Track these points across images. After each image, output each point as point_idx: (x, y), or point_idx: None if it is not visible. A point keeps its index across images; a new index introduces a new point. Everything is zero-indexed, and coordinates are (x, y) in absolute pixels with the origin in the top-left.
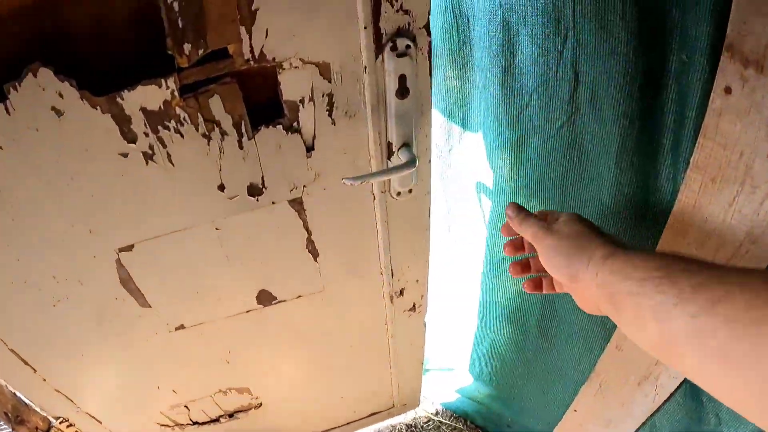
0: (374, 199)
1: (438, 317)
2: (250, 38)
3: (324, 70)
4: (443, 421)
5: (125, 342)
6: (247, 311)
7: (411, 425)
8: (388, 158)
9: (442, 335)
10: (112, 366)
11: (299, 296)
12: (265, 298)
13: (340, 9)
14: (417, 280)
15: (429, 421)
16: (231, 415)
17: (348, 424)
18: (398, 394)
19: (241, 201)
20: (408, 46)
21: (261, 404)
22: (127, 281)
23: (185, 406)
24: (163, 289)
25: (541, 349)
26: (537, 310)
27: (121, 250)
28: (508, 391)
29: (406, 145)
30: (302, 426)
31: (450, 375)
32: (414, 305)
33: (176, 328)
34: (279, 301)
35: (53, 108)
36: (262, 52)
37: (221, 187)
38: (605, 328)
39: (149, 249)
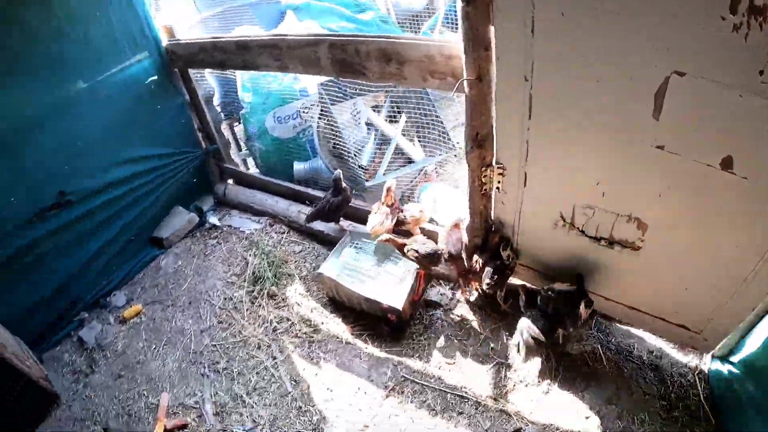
0: None
1: None
2: None
3: None
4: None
5: (618, 139)
6: (707, 165)
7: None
8: None
9: None
10: (588, 150)
11: (745, 178)
12: (726, 164)
13: None
14: None
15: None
16: (610, 243)
17: (657, 318)
18: (709, 327)
19: None
20: None
21: (639, 249)
22: (660, 94)
23: (592, 212)
24: (674, 116)
25: None
26: None
27: (675, 72)
28: None
29: None
30: (628, 295)
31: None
32: None
33: (656, 147)
34: (731, 172)
35: None
36: None
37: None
38: None
39: (693, 84)
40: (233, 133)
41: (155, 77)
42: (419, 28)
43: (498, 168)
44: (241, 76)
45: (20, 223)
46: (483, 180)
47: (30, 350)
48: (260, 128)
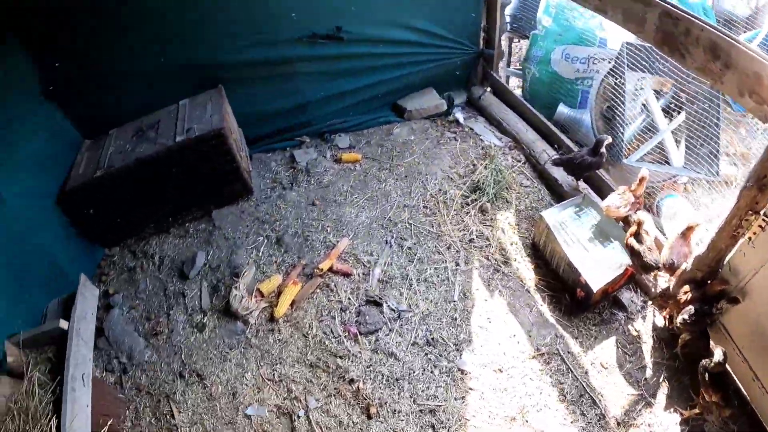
0: None
1: None
2: None
3: None
4: None
5: None
6: None
7: None
8: None
9: None
10: None
11: None
12: None
13: None
14: None
15: None
16: None
17: None
18: None
19: None
20: None
21: None
22: None
23: None
24: None
25: None
26: None
27: None
28: None
29: None
30: None
31: None
32: None
33: None
34: None
35: None
36: None
37: None
38: None
39: None
40: (509, 47)
41: None
42: None
43: (764, 220)
44: None
45: (292, 37)
46: (741, 223)
47: (246, 145)
48: (544, 56)
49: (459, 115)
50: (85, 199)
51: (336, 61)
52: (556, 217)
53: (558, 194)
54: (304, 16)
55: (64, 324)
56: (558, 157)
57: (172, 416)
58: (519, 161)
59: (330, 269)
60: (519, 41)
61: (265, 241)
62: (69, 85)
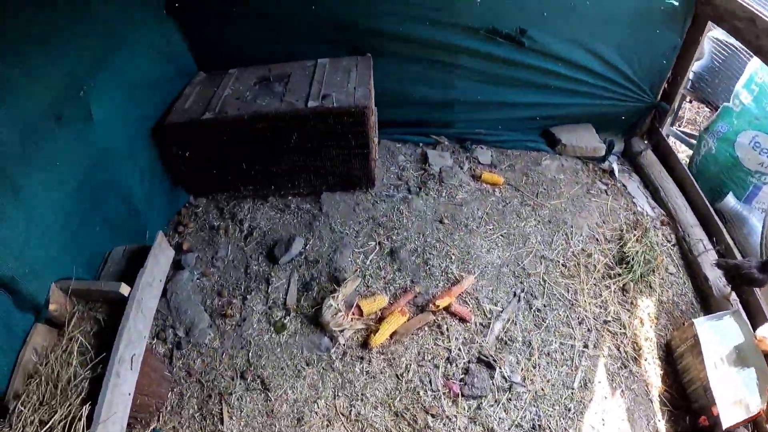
0: None
1: None
2: None
3: None
4: None
5: None
6: None
7: None
8: None
9: None
10: None
11: None
12: None
13: None
14: None
15: None
16: None
17: None
18: None
19: None
20: None
21: None
22: None
23: None
24: None
25: None
26: None
27: None
28: None
29: None
30: None
31: None
32: None
33: None
34: None
35: None
36: None
37: None
38: None
39: None
40: (679, 106)
41: (675, 3)
42: None
43: None
44: (757, 71)
45: (467, 25)
46: None
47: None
48: (729, 134)
49: (614, 165)
50: (184, 139)
51: (504, 66)
52: (707, 330)
53: (703, 295)
54: (489, 5)
55: (125, 289)
56: (724, 260)
57: (221, 420)
58: (669, 241)
59: (447, 308)
60: (691, 102)
61: (377, 248)
62: (196, 4)
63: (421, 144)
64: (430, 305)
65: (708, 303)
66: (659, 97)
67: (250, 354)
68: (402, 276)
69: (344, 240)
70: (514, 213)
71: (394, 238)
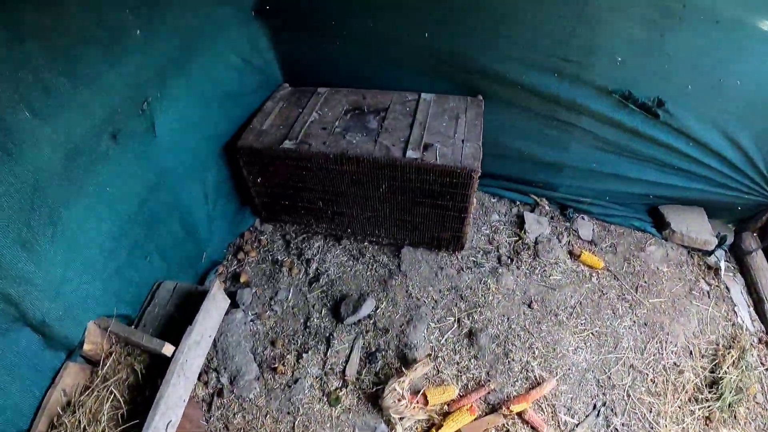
0: None
1: None
2: None
3: None
4: None
5: None
6: None
7: None
8: None
9: None
10: None
11: None
12: None
13: None
14: None
15: None
16: None
17: None
18: None
19: None
20: None
21: None
22: None
23: None
24: None
25: None
26: None
27: None
28: None
29: None
30: None
31: None
32: None
33: None
34: None
35: None
36: None
37: None
38: None
39: None
40: None
41: None
42: None
43: None
44: None
45: (601, 85)
46: None
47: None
48: None
49: (722, 264)
50: (257, 164)
51: (629, 136)
52: None
53: None
54: (630, 68)
55: (168, 350)
56: None
57: None
58: (764, 365)
59: (520, 413)
60: None
61: (455, 326)
62: (290, 9)
63: (518, 203)
64: (504, 407)
65: None
66: None
67: (296, 423)
68: (478, 365)
69: (420, 310)
70: (609, 307)
71: (475, 317)
